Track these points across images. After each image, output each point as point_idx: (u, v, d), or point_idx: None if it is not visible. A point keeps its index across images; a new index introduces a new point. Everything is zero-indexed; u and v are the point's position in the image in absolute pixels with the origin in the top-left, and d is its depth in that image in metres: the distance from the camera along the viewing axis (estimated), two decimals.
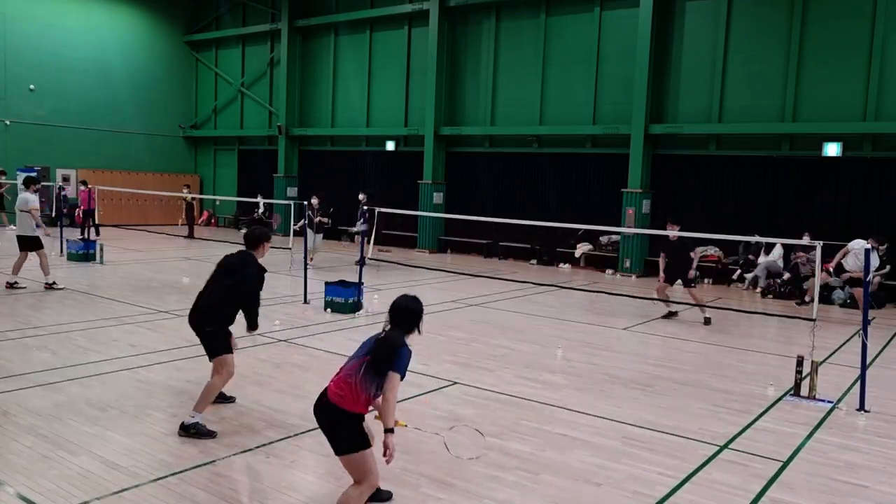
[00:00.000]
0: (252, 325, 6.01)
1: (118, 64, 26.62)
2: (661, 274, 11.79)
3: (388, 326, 4.23)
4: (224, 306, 5.86)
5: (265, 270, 6.05)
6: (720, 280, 16.72)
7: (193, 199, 22.76)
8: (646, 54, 17.24)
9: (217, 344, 5.89)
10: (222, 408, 6.34)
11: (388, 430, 3.97)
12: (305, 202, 14.08)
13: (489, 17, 20.67)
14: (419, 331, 4.30)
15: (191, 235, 22.18)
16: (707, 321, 11.47)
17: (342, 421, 3.99)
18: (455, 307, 12.15)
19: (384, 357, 4.02)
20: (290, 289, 12.75)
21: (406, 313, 4.23)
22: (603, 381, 7.82)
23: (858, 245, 12.58)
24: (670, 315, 11.88)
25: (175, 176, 28.14)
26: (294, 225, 15.52)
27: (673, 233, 11.33)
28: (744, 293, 15.41)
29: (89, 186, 20.08)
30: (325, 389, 4.11)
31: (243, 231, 6.93)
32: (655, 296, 11.94)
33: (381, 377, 4.00)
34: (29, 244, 11.95)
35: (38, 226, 12.03)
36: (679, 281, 11.75)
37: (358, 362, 4.05)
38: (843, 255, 12.96)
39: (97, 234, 19.10)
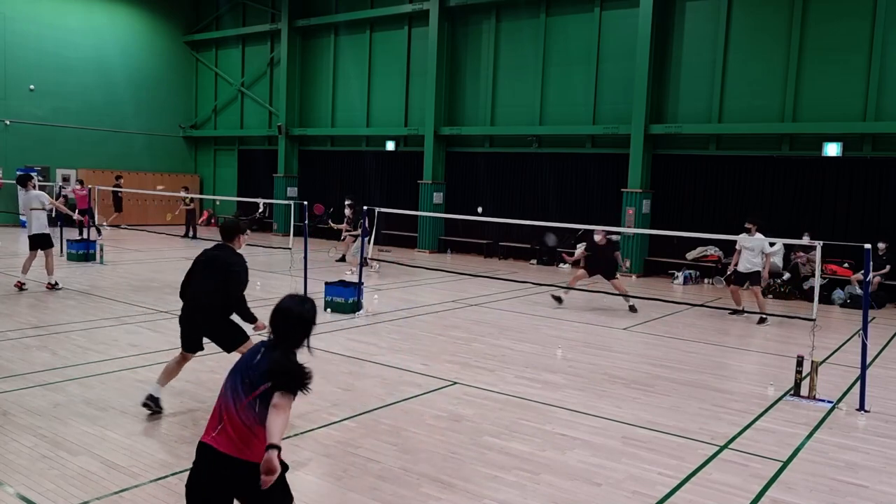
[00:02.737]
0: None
1: (118, 64, 26.61)
2: (582, 267, 12.73)
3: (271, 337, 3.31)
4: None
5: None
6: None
7: (192, 200, 22.63)
8: (646, 54, 17.24)
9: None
10: None
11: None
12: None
13: (489, 17, 20.67)
14: (308, 345, 3.35)
15: (194, 236, 22.09)
16: (632, 308, 12.31)
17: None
18: (455, 307, 12.15)
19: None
20: (291, 289, 12.72)
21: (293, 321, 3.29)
22: (603, 381, 7.82)
23: (750, 243, 11.92)
24: (559, 300, 12.71)
25: (175, 176, 28.13)
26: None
27: (599, 237, 12.37)
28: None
29: (87, 186, 19.97)
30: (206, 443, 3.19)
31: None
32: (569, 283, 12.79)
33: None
34: (41, 242, 11.93)
35: (58, 217, 12.23)
36: (599, 275, 12.61)
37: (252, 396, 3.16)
38: (738, 256, 12.24)
39: (99, 234, 19.03)
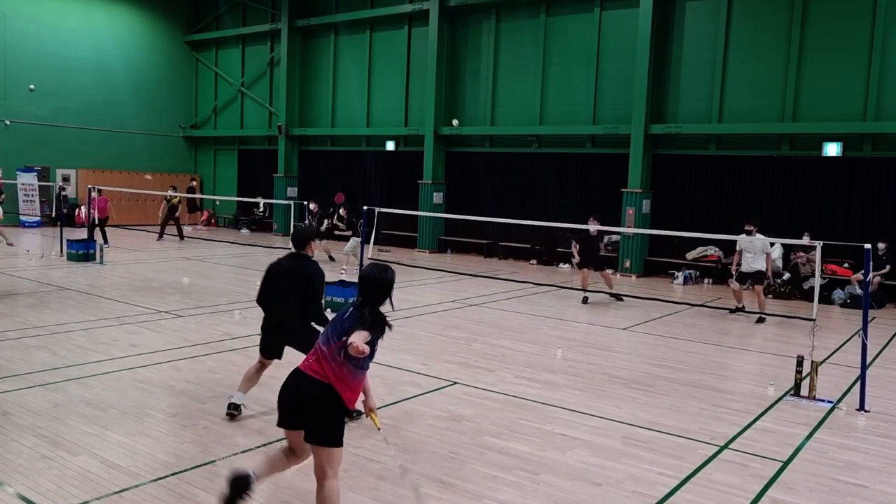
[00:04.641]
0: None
1: (118, 64, 26.59)
2: (577, 257, 13.30)
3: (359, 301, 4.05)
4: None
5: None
6: (720, 280, 16.70)
7: (175, 198, 21.91)
8: (646, 54, 17.24)
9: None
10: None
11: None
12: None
13: (489, 17, 20.67)
14: (391, 304, 4.12)
15: (180, 236, 21.73)
16: (618, 297, 13.22)
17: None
18: (455, 307, 12.15)
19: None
20: None
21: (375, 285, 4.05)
22: (603, 381, 7.82)
23: (750, 245, 11.89)
24: (586, 301, 13.19)
25: (176, 176, 28.11)
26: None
27: (594, 227, 12.97)
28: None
29: (102, 192, 19.50)
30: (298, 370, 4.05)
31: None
32: (581, 286, 13.32)
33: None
34: None
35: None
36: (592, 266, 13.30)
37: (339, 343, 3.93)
38: (739, 256, 12.24)
39: (105, 240, 18.59)
